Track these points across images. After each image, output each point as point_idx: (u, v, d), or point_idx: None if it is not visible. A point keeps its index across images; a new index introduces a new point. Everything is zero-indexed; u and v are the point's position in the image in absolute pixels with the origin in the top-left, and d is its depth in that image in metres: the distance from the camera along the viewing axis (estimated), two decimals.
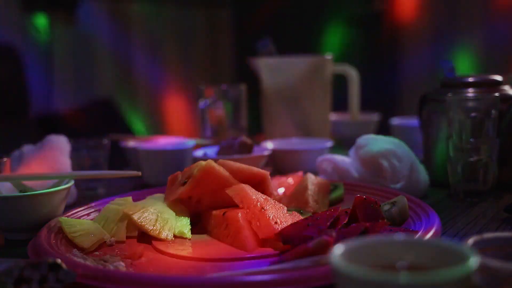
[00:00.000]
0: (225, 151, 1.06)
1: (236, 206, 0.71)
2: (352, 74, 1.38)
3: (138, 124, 2.64)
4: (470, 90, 0.95)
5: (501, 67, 2.11)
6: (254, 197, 0.70)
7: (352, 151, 0.96)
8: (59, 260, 0.53)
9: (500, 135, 0.88)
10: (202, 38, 2.95)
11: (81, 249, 0.67)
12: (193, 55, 2.92)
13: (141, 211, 0.73)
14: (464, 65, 2.24)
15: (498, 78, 0.97)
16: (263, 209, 0.69)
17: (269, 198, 0.73)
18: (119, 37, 2.58)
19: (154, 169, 1.09)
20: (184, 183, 0.76)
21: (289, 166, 1.12)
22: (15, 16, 2.22)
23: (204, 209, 0.76)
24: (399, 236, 0.45)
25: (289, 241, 0.64)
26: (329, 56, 1.36)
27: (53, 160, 0.95)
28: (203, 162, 0.76)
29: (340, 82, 1.44)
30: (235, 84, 1.29)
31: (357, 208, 0.67)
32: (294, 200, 0.84)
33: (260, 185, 0.78)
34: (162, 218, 0.73)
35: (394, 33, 2.46)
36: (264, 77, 1.35)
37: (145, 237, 0.72)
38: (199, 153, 1.09)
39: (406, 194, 0.78)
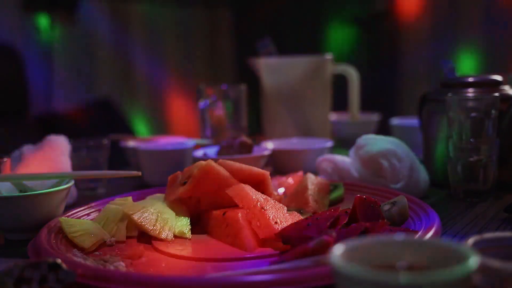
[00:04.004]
0: (225, 151, 1.06)
1: (236, 206, 0.71)
2: (352, 74, 1.38)
3: (138, 124, 2.64)
4: (470, 90, 0.95)
5: (501, 67, 2.11)
6: (254, 197, 0.70)
7: (352, 151, 0.96)
8: (59, 260, 0.53)
9: (500, 135, 0.88)
10: (202, 38, 2.95)
11: (81, 249, 0.67)
12: (193, 55, 2.92)
13: (141, 211, 0.73)
14: (464, 65, 2.24)
15: (498, 78, 0.97)
16: (263, 209, 0.69)
17: (269, 198, 0.73)
18: (119, 37, 2.58)
19: (154, 169, 1.09)
20: (184, 183, 0.76)
21: (289, 166, 1.12)
22: (15, 16, 2.22)
23: (204, 209, 0.76)
24: (399, 236, 0.45)
25: (289, 241, 0.64)
26: (329, 56, 1.36)
27: (53, 160, 0.95)
28: (203, 162, 0.76)
29: (340, 82, 1.44)
30: (235, 84, 1.29)
31: (357, 208, 0.67)
32: (294, 200, 0.84)
33: (260, 185, 0.78)
34: (162, 218, 0.73)
35: (394, 33, 2.46)
36: (264, 77, 1.35)
37: (145, 237, 0.72)
38: (199, 153, 1.09)
39: (406, 194, 0.78)
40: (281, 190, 0.91)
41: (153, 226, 0.72)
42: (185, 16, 2.86)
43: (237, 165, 0.77)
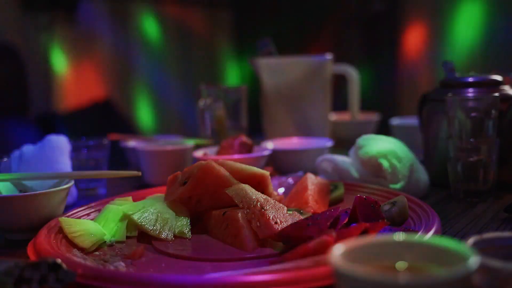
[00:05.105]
0: (225, 151, 1.06)
1: (236, 206, 0.71)
2: (352, 74, 1.38)
3: (138, 124, 2.64)
4: (470, 90, 0.95)
5: (501, 67, 2.11)
6: (254, 197, 0.70)
7: (352, 151, 0.96)
8: (59, 260, 0.53)
9: (500, 135, 0.88)
10: (202, 38, 2.95)
11: (81, 249, 0.67)
12: (193, 55, 2.91)
13: (141, 211, 0.73)
14: (464, 65, 2.24)
15: (498, 78, 0.97)
16: (263, 209, 0.69)
17: (269, 198, 0.73)
18: (119, 37, 2.58)
19: (154, 169, 1.09)
20: (184, 183, 0.76)
21: (289, 166, 1.12)
22: (15, 16, 2.22)
23: (204, 209, 0.76)
24: (399, 236, 0.45)
25: (289, 241, 0.64)
26: (329, 56, 1.36)
27: (53, 160, 0.95)
28: (203, 162, 0.76)
29: (340, 82, 1.44)
30: (235, 84, 1.29)
31: (357, 208, 0.67)
32: (294, 200, 0.84)
33: (260, 185, 0.78)
34: (162, 218, 0.73)
35: (394, 33, 2.46)
36: (264, 77, 1.35)
37: (145, 237, 0.72)
38: (199, 153, 1.10)
39: (406, 194, 0.78)
40: (281, 190, 0.91)
41: (153, 226, 0.72)
42: (185, 16, 2.86)
43: (237, 165, 0.77)
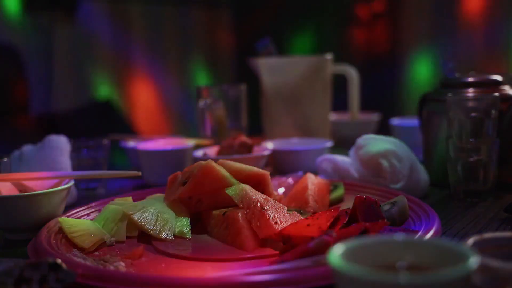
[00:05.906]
0: (225, 151, 1.06)
1: (236, 206, 0.71)
2: (352, 74, 1.38)
3: (138, 124, 2.64)
4: (470, 90, 0.95)
5: (501, 67, 2.11)
6: (254, 197, 0.70)
7: (352, 151, 0.96)
8: (59, 260, 0.53)
9: (500, 135, 0.88)
10: (202, 38, 2.95)
11: (81, 249, 0.67)
12: (193, 55, 2.91)
13: (141, 211, 0.73)
14: (464, 65, 2.24)
15: (498, 78, 0.97)
16: (263, 209, 0.69)
17: (269, 198, 0.73)
18: (119, 37, 2.58)
19: (154, 169, 1.09)
20: (184, 183, 0.76)
21: (289, 166, 1.12)
22: (15, 16, 2.22)
23: (204, 209, 0.76)
24: (399, 236, 0.45)
25: (289, 241, 0.64)
26: (329, 56, 1.36)
27: (53, 160, 0.95)
28: (203, 162, 0.76)
29: (340, 82, 1.44)
30: (235, 84, 1.29)
31: (357, 208, 0.67)
32: (294, 200, 0.84)
33: (260, 185, 0.78)
34: (162, 218, 0.73)
35: (394, 33, 2.46)
36: (264, 77, 1.35)
37: (145, 237, 0.72)
38: (199, 153, 1.09)
39: (406, 194, 0.78)
40: (281, 190, 0.91)
41: (153, 226, 0.72)
42: (185, 16, 2.86)
43: (237, 165, 0.77)
